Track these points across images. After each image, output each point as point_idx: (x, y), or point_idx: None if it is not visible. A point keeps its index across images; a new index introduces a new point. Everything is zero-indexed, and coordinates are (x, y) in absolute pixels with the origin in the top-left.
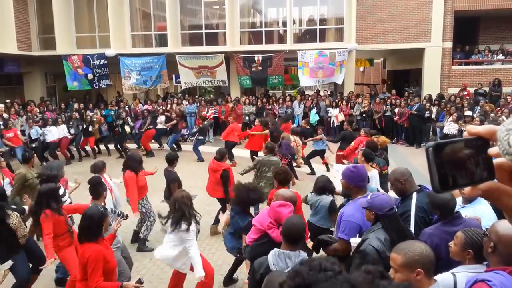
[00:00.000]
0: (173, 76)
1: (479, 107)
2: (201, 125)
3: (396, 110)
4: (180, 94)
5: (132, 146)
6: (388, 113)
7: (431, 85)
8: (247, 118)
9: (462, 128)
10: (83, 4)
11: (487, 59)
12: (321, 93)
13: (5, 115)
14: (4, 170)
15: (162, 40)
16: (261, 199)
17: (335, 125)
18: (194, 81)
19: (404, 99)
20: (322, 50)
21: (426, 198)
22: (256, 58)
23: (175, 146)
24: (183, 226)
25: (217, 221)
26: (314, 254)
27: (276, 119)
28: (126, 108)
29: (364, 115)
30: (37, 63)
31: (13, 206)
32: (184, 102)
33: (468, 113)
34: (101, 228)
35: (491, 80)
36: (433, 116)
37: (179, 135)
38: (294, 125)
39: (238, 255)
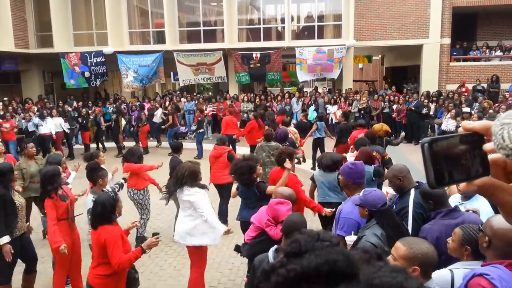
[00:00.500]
0: (171, 73)
1: (477, 104)
2: (199, 118)
3: (394, 107)
4: (179, 92)
5: (130, 144)
6: (386, 110)
7: (429, 81)
8: (245, 115)
9: (460, 125)
10: (80, 2)
11: (485, 55)
12: (320, 90)
13: (2, 113)
14: (7, 155)
15: (160, 37)
16: (252, 165)
17: (334, 122)
18: (192, 78)
19: (403, 96)
20: (320, 47)
21: None
22: (254, 56)
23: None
24: (186, 191)
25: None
26: None
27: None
28: (124, 106)
29: (362, 112)
30: (35, 61)
31: None
32: (182, 99)
33: (466, 109)
34: (114, 213)
35: (489, 77)
36: (431, 112)
37: (176, 129)
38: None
39: (236, 252)
